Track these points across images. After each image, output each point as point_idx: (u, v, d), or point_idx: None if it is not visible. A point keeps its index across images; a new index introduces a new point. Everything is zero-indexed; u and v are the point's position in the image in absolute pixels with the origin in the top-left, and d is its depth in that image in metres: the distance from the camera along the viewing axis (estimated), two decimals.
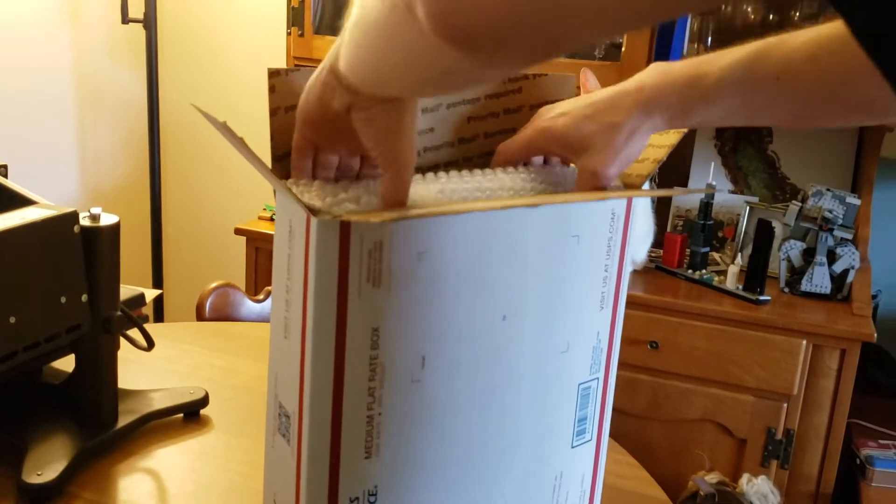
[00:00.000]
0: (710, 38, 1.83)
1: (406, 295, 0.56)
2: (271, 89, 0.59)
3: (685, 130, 0.69)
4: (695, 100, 0.61)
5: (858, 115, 0.66)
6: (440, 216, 0.56)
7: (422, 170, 0.66)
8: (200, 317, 1.34)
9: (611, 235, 0.67)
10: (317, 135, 0.58)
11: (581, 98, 0.65)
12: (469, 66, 0.39)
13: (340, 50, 0.51)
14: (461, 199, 0.60)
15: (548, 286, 0.64)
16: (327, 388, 0.55)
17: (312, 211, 0.53)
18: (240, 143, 0.50)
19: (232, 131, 0.50)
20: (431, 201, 0.59)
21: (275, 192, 0.62)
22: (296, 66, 2.02)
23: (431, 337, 0.58)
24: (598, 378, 0.70)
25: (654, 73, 0.63)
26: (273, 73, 0.59)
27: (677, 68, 0.63)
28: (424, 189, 0.60)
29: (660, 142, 0.70)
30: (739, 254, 1.85)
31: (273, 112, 0.60)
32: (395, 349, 0.57)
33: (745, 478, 1.54)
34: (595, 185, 0.63)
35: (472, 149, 0.70)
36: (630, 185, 0.70)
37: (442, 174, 0.63)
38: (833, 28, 0.59)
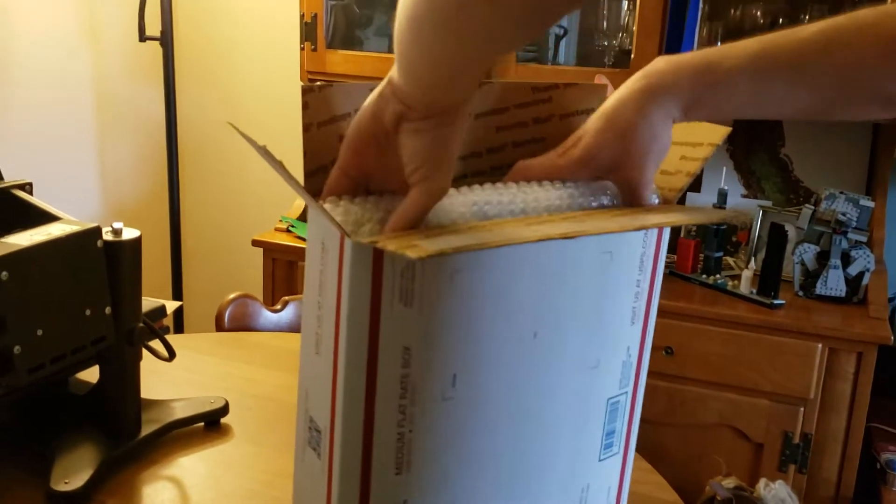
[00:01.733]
0: (719, 43, 1.84)
1: (437, 313, 0.57)
2: (304, 106, 0.59)
3: (717, 143, 0.68)
4: (706, 87, 0.61)
5: (875, 109, 0.63)
6: (474, 251, 0.56)
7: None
8: (219, 327, 1.36)
9: (643, 251, 0.66)
10: (360, 158, 0.57)
11: (594, 114, 0.65)
12: None
13: (396, 59, 0.50)
14: (496, 214, 0.60)
15: (580, 302, 0.63)
16: (359, 404, 0.56)
17: (346, 232, 0.53)
18: (279, 166, 0.51)
19: (271, 154, 0.51)
20: (464, 215, 0.59)
21: (307, 209, 0.63)
22: (327, 82, 2.05)
23: (462, 355, 0.58)
24: (626, 392, 0.70)
25: (659, 63, 0.62)
26: (306, 91, 0.59)
27: (686, 58, 0.62)
28: (459, 201, 0.60)
29: (692, 154, 0.69)
30: (753, 258, 1.85)
31: (306, 128, 0.59)
32: (427, 367, 0.57)
33: (762, 482, 1.54)
34: (636, 197, 0.63)
35: (501, 158, 0.70)
36: (665, 199, 0.69)
37: (476, 187, 0.62)
38: (846, 19, 0.58)
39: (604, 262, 0.64)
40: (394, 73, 0.52)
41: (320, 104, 0.60)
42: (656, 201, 0.68)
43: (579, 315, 0.64)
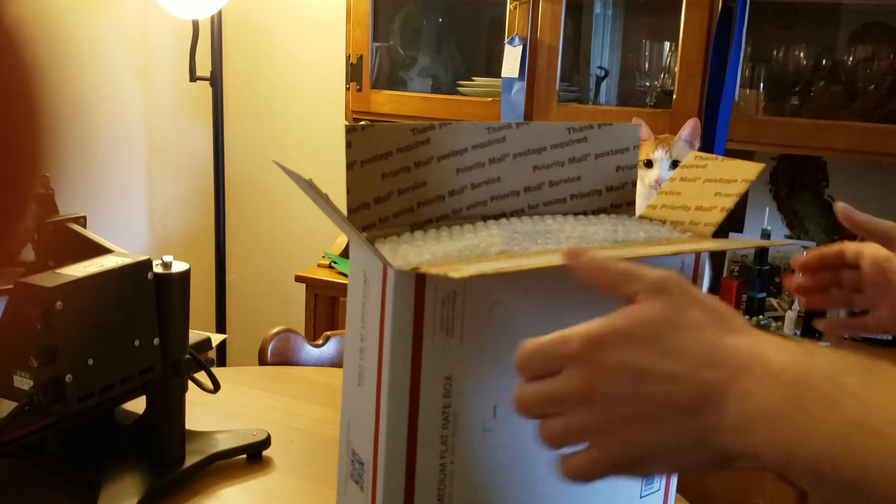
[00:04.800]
0: (762, 85, 1.84)
1: (478, 344, 0.57)
2: (348, 144, 0.60)
3: (751, 179, 0.69)
4: None
5: None
6: (513, 278, 0.57)
7: (488, 217, 0.67)
8: (262, 361, 1.38)
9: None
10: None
11: None
12: None
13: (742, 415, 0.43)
14: (531, 241, 0.61)
15: None
16: (402, 435, 0.57)
17: (388, 262, 0.55)
18: (323, 200, 0.53)
19: (316, 187, 0.52)
20: (504, 243, 0.60)
21: (349, 244, 0.65)
22: (371, 121, 2.09)
23: (503, 386, 0.58)
24: None
25: None
26: (350, 130, 0.60)
27: None
28: (497, 231, 0.61)
29: (727, 190, 0.70)
30: (797, 299, 1.83)
31: (350, 166, 0.61)
32: (468, 397, 0.58)
33: None
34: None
35: (538, 197, 0.71)
36: (699, 234, 0.70)
37: (515, 220, 0.64)
38: None
39: None
40: (721, 421, 0.44)
41: (363, 143, 0.61)
42: None
43: None
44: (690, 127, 1.60)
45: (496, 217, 0.68)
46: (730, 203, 0.69)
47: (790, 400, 0.42)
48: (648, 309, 0.47)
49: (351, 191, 0.62)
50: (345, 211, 0.59)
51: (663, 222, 0.73)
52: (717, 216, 0.69)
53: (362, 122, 0.63)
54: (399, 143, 0.62)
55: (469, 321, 0.56)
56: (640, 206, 0.76)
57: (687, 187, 0.74)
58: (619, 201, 0.75)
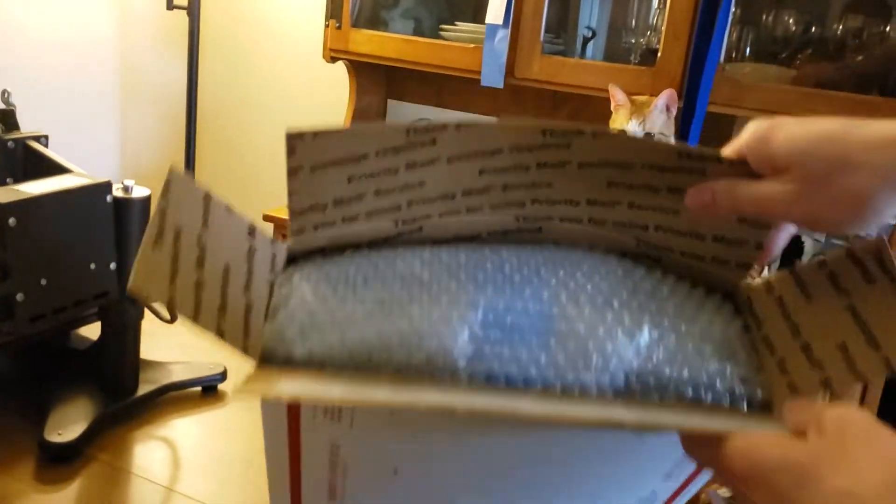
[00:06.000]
0: (748, 49, 1.82)
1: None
2: (291, 151, 0.50)
3: None
4: None
5: None
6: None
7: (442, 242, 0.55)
8: None
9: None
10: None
11: None
12: None
13: None
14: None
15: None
16: None
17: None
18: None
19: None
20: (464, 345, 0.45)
21: None
22: (350, 62, 2.02)
23: None
24: None
25: None
26: (295, 136, 0.49)
27: None
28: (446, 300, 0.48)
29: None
30: (767, 269, 1.84)
31: (293, 171, 0.50)
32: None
33: None
34: None
35: (603, 213, 0.55)
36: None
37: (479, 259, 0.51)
38: None
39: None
40: None
41: (307, 152, 0.50)
42: None
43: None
44: (666, 96, 1.58)
45: (544, 219, 0.55)
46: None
47: None
48: None
49: (293, 196, 0.51)
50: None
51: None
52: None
53: (309, 130, 0.49)
54: (365, 149, 0.50)
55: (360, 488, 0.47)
56: None
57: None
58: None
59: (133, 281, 0.45)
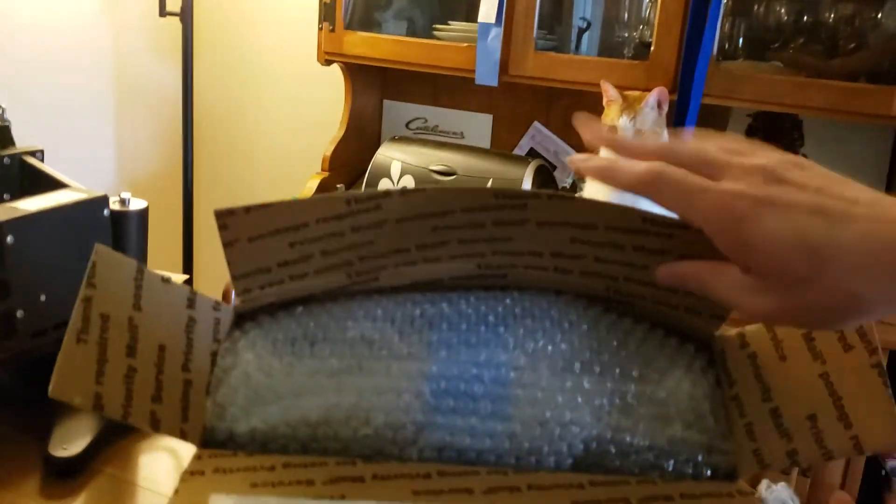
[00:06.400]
0: (741, 39, 1.82)
1: None
2: (222, 227, 0.50)
3: None
4: None
5: None
6: None
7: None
8: (227, 303, 1.36)
9: None
10: None
11: None
12: None
13: None
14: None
15: None
16: None
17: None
18: None
19: None
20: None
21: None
22: (344, 63, 2.02)
23: None
24: None
25: None
26: (225, 213, 0.49)
27: None
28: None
29: None
30: None
31: (229, 244, 0.50)
32: None
33: (764, 483, 1.53)
34: None
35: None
36: None
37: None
38: None
39: None
40: None
41: (238, 226, 0.50)
42: None
43: None
44: (657, 94, 1.58)
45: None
46: None
47: None
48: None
49: (232, 265, 0.51)
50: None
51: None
52: None
53: (238, 207, 0.49)
54: (304, 219, 0.50)
55: None
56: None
57: None
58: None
59: (54, 383, 0.43)
